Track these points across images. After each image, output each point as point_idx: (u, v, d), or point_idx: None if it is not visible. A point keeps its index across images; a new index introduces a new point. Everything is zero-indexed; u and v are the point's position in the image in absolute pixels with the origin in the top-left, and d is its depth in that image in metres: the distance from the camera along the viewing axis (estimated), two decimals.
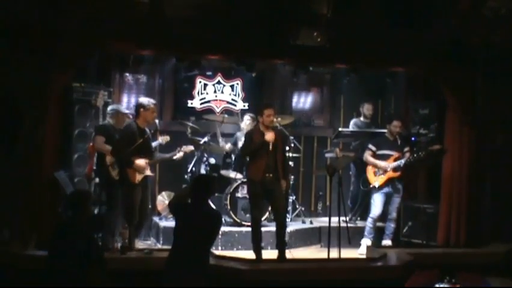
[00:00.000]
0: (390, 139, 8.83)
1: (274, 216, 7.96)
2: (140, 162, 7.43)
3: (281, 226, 7.78)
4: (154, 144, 8.05)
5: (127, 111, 8.34)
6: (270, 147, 7.60)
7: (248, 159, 7.95)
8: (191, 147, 8.24)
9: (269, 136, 7.57)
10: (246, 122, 9.56)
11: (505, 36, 8.10)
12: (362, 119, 10.30)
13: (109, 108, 8.40)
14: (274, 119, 7.66)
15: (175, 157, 7.96)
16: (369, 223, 8.77)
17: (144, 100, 7.68)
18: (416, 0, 8.09)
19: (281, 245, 7.74)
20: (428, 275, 6.09)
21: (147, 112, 7.54)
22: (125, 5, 7.53)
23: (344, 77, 10.00)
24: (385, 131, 8.99)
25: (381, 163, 8.67)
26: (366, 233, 8.75)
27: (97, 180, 8.16)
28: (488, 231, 8.69)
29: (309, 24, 8.02)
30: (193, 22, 7.88)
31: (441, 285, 6.22)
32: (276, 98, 10.56)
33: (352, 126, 10.25)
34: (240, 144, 9.31)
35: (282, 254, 7.71)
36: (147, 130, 7.67)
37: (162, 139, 8.16)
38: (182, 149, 7.98)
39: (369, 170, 8.85)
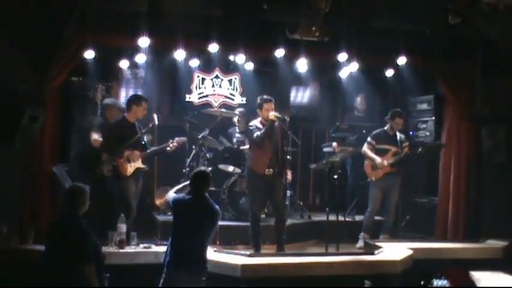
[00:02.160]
0: (389, 133, 8.82)
1: (274, 210, 7.96)
2: (133, 152, 7.64)
3: (280, 221, 7.81)
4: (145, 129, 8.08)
5: (120, 105, 8.35)
6: (276, 139, 7.67)
7: (250, 153, 7.99)
8: (184, 139, 8.27)
9: (272, 115, 7.62)
10: (236, 118, 9.59)
11: (503, 31, 8.10)
12: (356, 113, 10.29)
13: (104, 101, 8.54)
14: (273, 114, 7.66)
15: (168, 149, 7.99)
16: (367, 217, 8.79)
17: (137, 96, 7.95)
18: None
19: (280, 239, 7.76)
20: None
21: (138, 108, 7.73)
22: None
23: (342, 72, 9.99)
24: (384, 125, 8.97)
25: (379, 158, 8.67)
26: (364, 227, 8.76)
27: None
28: (486, 225, 8.70)
29: (308, 18, 8.01)
30: (191, 16, 7.87)
31: (437, 284, 6.27)
32: (274, 92, 10.53)
33: (346, 120, 10.24)
34: (235, 140, 9.33)
35: (280, 248, 7.73)
36: (136, 124, 7.79)
37: (151, 118, 8.13)
38: (175, 140, 8.02)
39: (367, 164, 8.85)
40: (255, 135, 7.72)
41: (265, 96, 7.89)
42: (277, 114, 7.67)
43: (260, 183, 7.70)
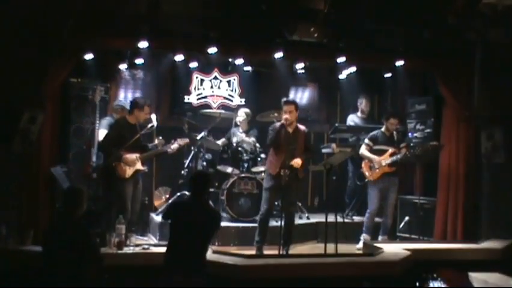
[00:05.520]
0: (386, 134, 8.83)
1: (284, 211, 7.91)
2: (131, 156, 7.57)
3: (290, 222, 7.84)
4: (150, 145, 8.07)
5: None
6: (295, 142, 7.68)
7: (269, 152, 8.01)
8: (186, 140, 8.25)
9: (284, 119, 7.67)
10: (241, 118, 9.58)
11: (502, 32, 8.11)
12: (359, 114, 10.30)
13: (115, 103, 8.75)
14: (288, 117, 7.65)
15: (169, 150, 7.98)
16: (366, 218, 8.78)
17: (141, 100, 7.90)
18: None
19: (287, 240, 7.80)
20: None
21: (141, 112, 7.78)
22: (123, 0, 7.53)
23: (341, 73, 9.99)
24: (382, 126, 8.98)
25: (376, 158, 8.68)
26: (364, 228, 8.76)
27: (95, 175, 8.19)
28: (485, 226, 8.70)
29: (307, 19, 8.01)
30: (190, 17, 7.87)
31: (432, 285, 6.25)
32: (273, 93, 10.54)
33: (349, 121, 10.25)
34: (235, 139, 9.31)
35: (286, 248, 7.78)
36: (137, 126, 7.80)
37: (158, 143, 8.13)
38: (176, 141, 8.01)
39: (365, 165, 8.85)
40: (268, 138, 7.79)
41: (285, 99, 7.89)
42: (288, 117, 7.68)
43: (271, 183, 7.73)
